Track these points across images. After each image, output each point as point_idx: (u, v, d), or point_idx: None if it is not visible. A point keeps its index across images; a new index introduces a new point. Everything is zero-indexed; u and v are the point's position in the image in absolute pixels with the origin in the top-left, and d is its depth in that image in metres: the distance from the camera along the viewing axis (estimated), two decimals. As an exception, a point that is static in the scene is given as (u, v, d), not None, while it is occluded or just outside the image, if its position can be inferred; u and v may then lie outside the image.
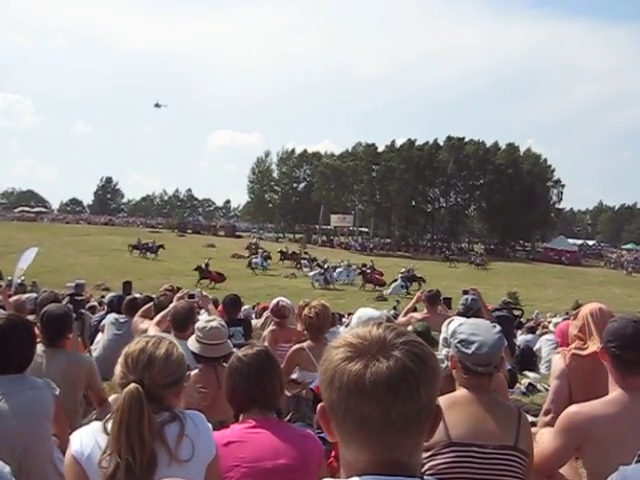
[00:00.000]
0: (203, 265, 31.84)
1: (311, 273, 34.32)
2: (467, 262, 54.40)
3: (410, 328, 6.41)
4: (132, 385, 2.00)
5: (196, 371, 3.82)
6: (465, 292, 7.09)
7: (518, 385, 7.85)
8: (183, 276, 32.03)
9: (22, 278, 15.82)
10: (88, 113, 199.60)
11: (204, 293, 5.73)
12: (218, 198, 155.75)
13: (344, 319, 13.82)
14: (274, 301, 6.46)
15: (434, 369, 1.16)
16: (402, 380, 1.10)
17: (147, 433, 1.96)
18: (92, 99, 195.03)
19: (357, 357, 1.12)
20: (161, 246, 42.84)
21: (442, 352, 3.11)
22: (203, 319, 4.19)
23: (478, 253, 48.58)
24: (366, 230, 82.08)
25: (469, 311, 5.93)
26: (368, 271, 35.00)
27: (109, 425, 2.00)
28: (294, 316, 6.51)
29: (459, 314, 5.82)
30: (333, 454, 2.87)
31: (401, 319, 7.04)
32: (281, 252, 44.27)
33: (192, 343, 3.92)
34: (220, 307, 7.32)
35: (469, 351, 2.56)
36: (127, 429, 1.95)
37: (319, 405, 1.18)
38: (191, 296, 5.56)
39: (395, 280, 32.86)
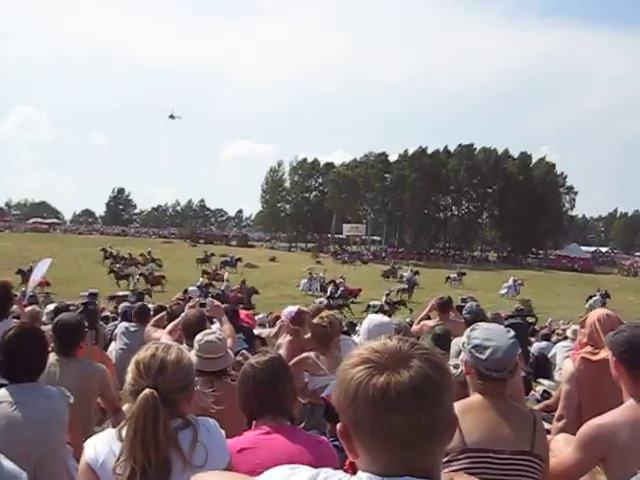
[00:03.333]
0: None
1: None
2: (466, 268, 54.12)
3: (423, 336, 6.43)
4: (147, 390, 2.00)
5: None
6: (464, 300, 7.07)
7: (533, 392, 7.80)
8: (183, 286, 32.01)
9: (35, 290, 15.91)
10: (102, 125, 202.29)
11: (216, 303, 5.70)
12: (231, 208, 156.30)
13: (357, 327, 13.79)
14: (291, 309, 6.42)
15: (450, 375, 1.20)
16: (426, 387, 1.13)
17: (163, 438, 1.96)
18: (107, 111, 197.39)
19: (378, 371, 1.14)
20: (239, 259, 43.55)
21: (458, 358, 3.10)
22: (203, 332, 4.17)
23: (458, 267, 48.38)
24: (378, 239, 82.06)
25: (477, 317, 5.90)
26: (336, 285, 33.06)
27: (124, 431, 2.00)
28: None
29: (468, 323, 5.80)
30: (348, 462, 2.86)
31: (415, 327, 7.04)
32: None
33: (192, 357, 3.92)
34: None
35: (483, 356, 2.55)
36: (143, 434, 1.95)
37: (338, 425, 1.19)
38: (202, 305, 5.56)
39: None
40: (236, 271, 41.53)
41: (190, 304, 5.54)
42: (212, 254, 45.04)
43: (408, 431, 1.11)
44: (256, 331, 8.56)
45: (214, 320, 6.06)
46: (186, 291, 10.97)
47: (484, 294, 33.01)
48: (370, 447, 1.15)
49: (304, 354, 4.80)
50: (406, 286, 34.33)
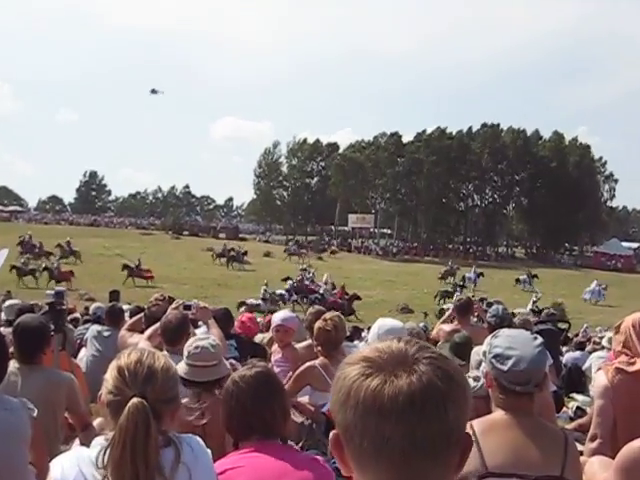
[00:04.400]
0: (132, 264, 33.07)
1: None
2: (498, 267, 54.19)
3: (440, 345, 6.43)
4: (136, 399, 1.99)
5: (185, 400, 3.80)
6: (489, 305, 7.08)
7: (565, 409, 7.80)
8: (178, 284, 32.22)
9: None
10: (73, 99, 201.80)
11: (202, 304, 5.72)
12: (219, 196, 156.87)
13: (363, 333, 13.84)
14: (283, 314, 6.38)
15: (463, 387, 1.17)
16: (427, 396, 1.11)
17: (153, 455, 1.96)
18: (79, 83, 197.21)
19: (375, 372, 1.13)
20: (245, 253, 44.69)
21: (479, 370, 3.10)
22: (195, 337, 4.17)
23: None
24: (389, 232, 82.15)
25: (503, 322, 5.91)
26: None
27: (102, 455, 1.98)
28: (304, 329, 6.51)
29: (492, 328, 5.81)
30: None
31: (432, 334, 7.07)
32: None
33: (180, 366, 3.91)
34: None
35: (504, 367, 2.55)
36: (133, 449, 1.93)
37: (332, 432, 1.18)
38: (187, 307, 5.57)
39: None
40: (244, 267, 42.49)
41: (173, 306, 5.56)
42: (232, 248, 45.55)
43: (400, 444, 1.09)
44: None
45: (199, 324, 6.08)
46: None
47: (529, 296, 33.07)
48: (360, 458, 1.14)
49: (308, 364, 4.79)
50: (460, 285, 34.61)
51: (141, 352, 2.16)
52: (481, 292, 34.52)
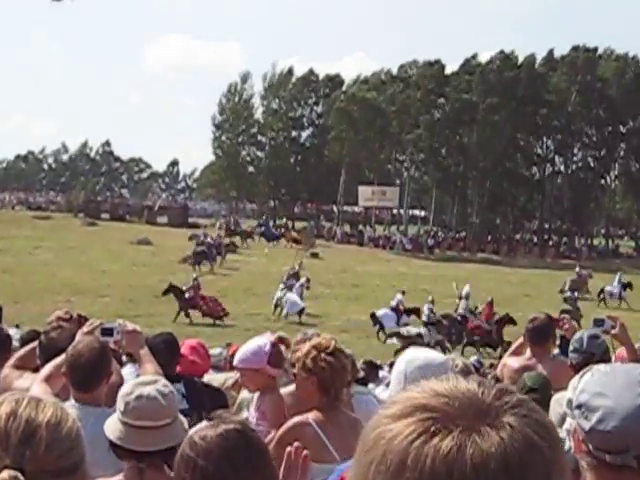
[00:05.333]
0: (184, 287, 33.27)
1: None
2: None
3: (505, 382, 6.45)
4: (5, 473, 1.99)
5: (119, 477, 3.80)
6: (598, 322, 7.02)
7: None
8: (95, 296, 32.38)
9: None
10: None
11: (130, 326, 5.71)
12: (158, 159, 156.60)
13: (382, 372, 13.95)
14: (256, 343, 6.39)
15: (562, 448, 1.20)
16: (527, 461, 1.11)
17: None
18: None
19: (445, 427, 1.12)
20: (230, 245, 47.19)
21: (563, 427, 3.10)
22: (136, 380, 4.15)
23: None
24: (422, 214, 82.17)
25: (590, 359, 5.90)
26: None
27: None
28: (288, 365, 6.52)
29: (574, 367, 5.83)
30: None
31: (497, 372, 7.11)
32: None
33: (110, 425, 3.91)
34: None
35: (587, 424, 2.51)
36: None
37: None
38: (107, 332, 5.55)
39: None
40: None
41: (85, 329, 5.54)
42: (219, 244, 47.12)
43: None
44: (205, 378, 8.56)
45: (123, 359, 6.08)
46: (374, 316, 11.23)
47: None
48: None
49: (297, 419, 4.79)
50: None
51: (16, 401, 2.13)
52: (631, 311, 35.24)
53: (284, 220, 77.28)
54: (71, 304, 23.36)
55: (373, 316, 31.41)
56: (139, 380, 4.11)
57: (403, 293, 33.94)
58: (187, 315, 31.67)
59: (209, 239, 48.59)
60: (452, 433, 1.10)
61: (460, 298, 34.84)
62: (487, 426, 1.12)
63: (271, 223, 73.73)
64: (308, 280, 37.09)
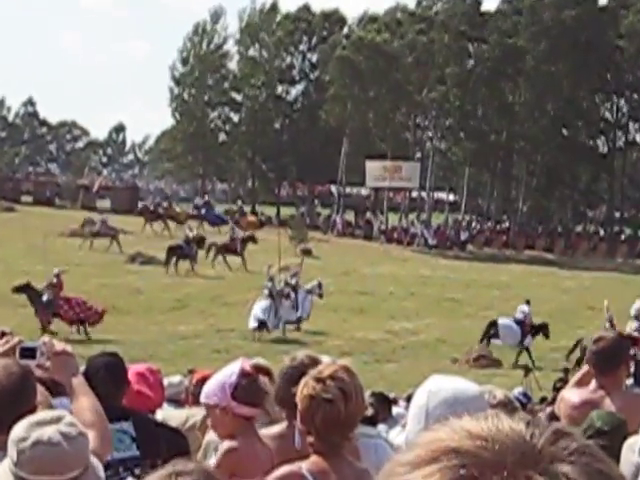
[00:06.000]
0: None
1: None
2: None
3: (563, 422, 6.46)
4: None
5: None
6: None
7: None
8: (14, 306, 32.50)
9: None
10: None
11: (60, 346, 5.70)
12: (98, 123, 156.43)
13: (397, 408, 14.03)
14: (225, 374, 6.42)
15: None
16: None
17: None
18: None
19: (478, 478, 1.11)
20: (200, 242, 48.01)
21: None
22: (32, 417, 4.13)
23: None
24: (450, 198, 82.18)
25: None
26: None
27: None
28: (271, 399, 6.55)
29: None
30: None
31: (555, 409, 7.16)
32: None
33: (2, 476, 3.91)
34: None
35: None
36: None
37: None
38: (27, 352, 5.55)
39: None
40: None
41: (1, 347, 5.54)
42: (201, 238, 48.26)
43: None
44: (160, 414, 8.57)
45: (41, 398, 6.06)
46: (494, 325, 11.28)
47: None
48: None
49: (286, 469, 4.79)
50: None
51: None
52: None
53: (255, 206, 77.31)
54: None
55: (493, 325, 31.66)
56: (35, 418, 4.08)
57: (528, 303, 34.00)
58: (45, 328, 31.11)
59: (187, 231, 50.08)
60: None
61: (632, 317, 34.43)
62: (535, 474, 1.10)
63: (217, 208, 74.03)
64: (320, 285, 37.36)
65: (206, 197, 74.08)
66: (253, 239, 51.25)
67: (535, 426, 1.17)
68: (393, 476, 1.16)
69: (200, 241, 49.38)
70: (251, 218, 66.17)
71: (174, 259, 46.19)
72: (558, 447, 1.14)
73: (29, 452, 3.78)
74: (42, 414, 4.31)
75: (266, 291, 36.34)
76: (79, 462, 3.82)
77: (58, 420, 3.95)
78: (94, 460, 3.97)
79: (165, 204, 66.46)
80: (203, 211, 66.66)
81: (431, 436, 1.18)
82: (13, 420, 4.70)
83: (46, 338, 5.99)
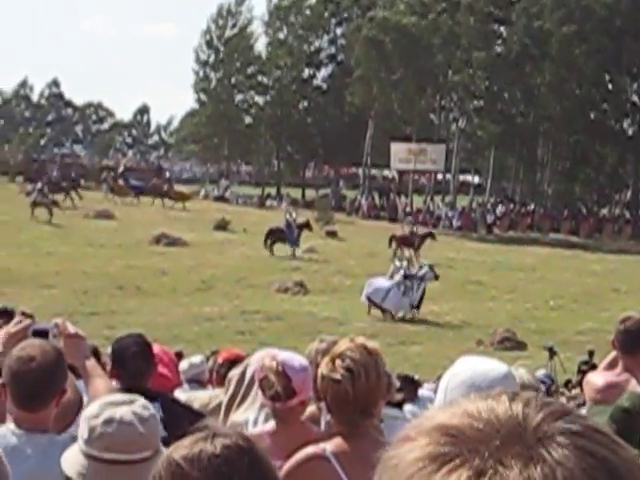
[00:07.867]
0: None
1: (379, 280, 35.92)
2: None
3: (588, 407, 6.41)
4: None
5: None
6: None
7: None
8: (38, 287, 32.58)
9: None
10: None
11: (72, 329, 5.68)
12: (123, 104, 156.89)
13: (422, 390, 14.04)
14: (260, 356, 6.37)
15: None
16: None
17: None
18: None
19: (459, 455, 1.10)
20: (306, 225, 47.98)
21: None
22: (103, 400, 4.12)
23: None
24: (476, 181, 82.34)
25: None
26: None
27: None
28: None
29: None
30: None
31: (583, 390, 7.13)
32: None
33: (69, 458, 3.90)
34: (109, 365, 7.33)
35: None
36: None
37: None
38: (39, 334, 5.53)
39: None
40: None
41: (12, 328, 5.51)
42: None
43: None
44: (183, 394, 8.54)
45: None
46: None
47: None
48: None
49: (310, 450, 4.75)
50: None
51: None
52: None
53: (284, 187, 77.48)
54: (5, 297, 23.49)
55: None
56: (109, 399, 4.07)
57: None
58: None
59: (288, 216, 49.43)
60: (467, 463, 1.08)
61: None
62: (517, 457, 1.08)
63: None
64: (432, 267, 37.47)
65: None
66: (308, 226, 51.04)
67: (533, 407, 1.15)
68: (389, 449, 1.16)
69: (305, 226, 49.51)
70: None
71: (270, 241, 46.15)
72: (552, 427, 1.12)
73: (100, 429, 3.79)
74: (116, 396, 4.37)
75: (402, 272, 36.40)
76: (150, 444, 3.85)
77: (131, 402, 3.98)
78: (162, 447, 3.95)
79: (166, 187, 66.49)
80: (228, 193, 66.92)
81: (427, 413, 1.21)
82: (43, 400, 4.76)
83: (59, 320, 5.96)
